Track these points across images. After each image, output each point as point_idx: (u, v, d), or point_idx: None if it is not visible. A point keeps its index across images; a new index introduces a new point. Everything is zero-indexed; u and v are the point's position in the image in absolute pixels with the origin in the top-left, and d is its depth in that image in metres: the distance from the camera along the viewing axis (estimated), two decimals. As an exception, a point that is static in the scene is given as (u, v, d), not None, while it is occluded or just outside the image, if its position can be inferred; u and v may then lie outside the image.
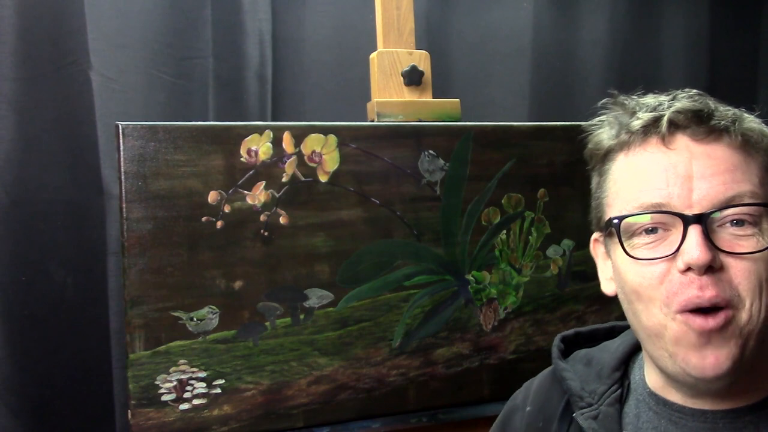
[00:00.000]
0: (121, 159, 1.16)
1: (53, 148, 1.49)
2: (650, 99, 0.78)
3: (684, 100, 0.75)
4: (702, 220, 0.70)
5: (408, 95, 1.40)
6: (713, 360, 0.70)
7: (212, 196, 1.20)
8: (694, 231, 0.70)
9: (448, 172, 1.35)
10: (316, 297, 1.27)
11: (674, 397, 0.78)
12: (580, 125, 0.86)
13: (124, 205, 1.16)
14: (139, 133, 1.17)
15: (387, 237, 1.31)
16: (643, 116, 0.75)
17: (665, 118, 0.73)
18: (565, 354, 0.94)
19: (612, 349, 0.89)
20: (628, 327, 0.88)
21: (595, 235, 0.85)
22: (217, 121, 1.55)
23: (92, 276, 1.51)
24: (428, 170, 1.34)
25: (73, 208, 1.50)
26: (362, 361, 1.29)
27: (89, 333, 1.50)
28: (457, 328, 1.36)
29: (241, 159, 1.22)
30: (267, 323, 1.23)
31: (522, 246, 1.40)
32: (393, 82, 1.39)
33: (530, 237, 1.41)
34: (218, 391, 1.21)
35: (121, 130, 1.16)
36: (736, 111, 0.76)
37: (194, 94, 1.60)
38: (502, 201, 1.38)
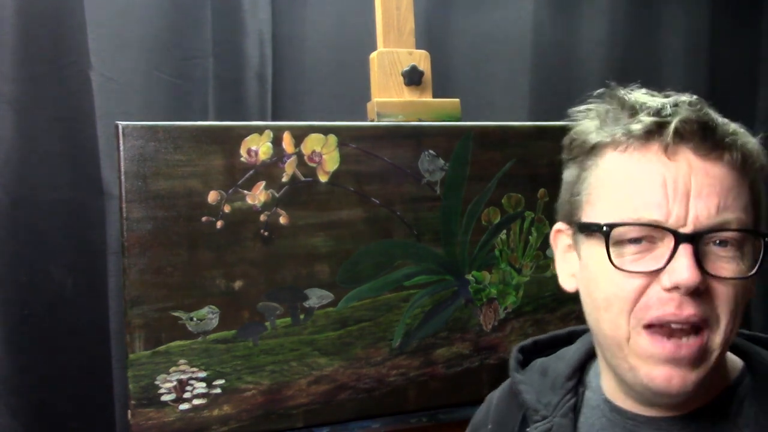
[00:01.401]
0: (121, 159, 1.16)
1: (53, 148, 1.49)
2: (649, 99, 0.74)
3: (687, 107, 0.72)
4: (694, 240, 0.68)
5: (408, 95, 1.40)
6: (680, 381, 0.69)
7: (212, 196, 1.20)
8: (685, 251, 0.68)
9: (448, 172, 1.35)
10: (316, 297, 1.27)
11: (628, 404, 0.77)
12: (577, 119, 0.84)
13: (124, 205, 1.16)
14: (139, 133, 1.17)
15: (387, 237, 1.31)
16: (645, 120, 0.71)
17: (671, 127, 0.70)
18: (525, 364, 0.90)
19: (567, 357, 0.87)
20: (586, 331, 0.86)
21: (560, 226, 0.81)
22: (217, 121, 1.55)
23: (92, 276, 1.51)
24: (428, 170, 1.34)
25: (73, 208, 1.50)
26: (362, 361, 1.29)
27: (89, 333, 1.50)
28: (457, 328, 1.36)
29: (241, 159, 1.22)
30: (267, 323, 1.23)
31: (522, 246, 1.40)
32: (393, 82, 1.39)
33: (530, 237, 1.41)
34: (218, 391, 1.21)
35: (121, 130, 1.16)
36: (735, 126, 0.74)
37: (194, 94, 1.60)
38: (502, 201, 1.38)
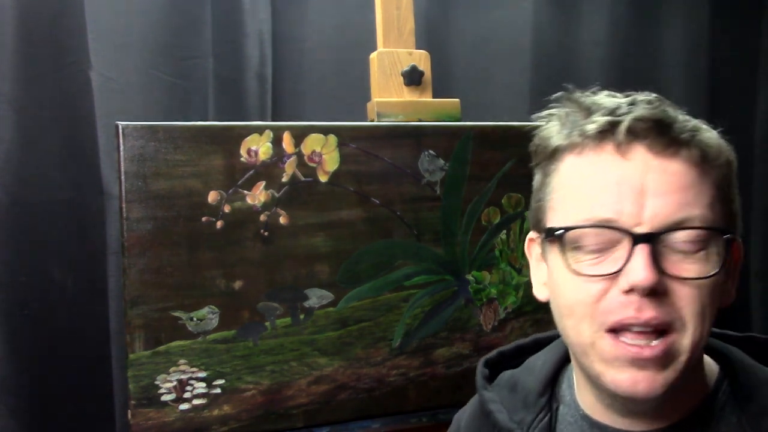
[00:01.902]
0: (121, 159, 1.16)
1: (53, 148, 1.49)
2: (606, 99, 0.72)
3: (643, 105, 0.70)
4: (651, 239, 0.66)
5: (408, 95, 1.40)
6: (646, 384, 0.67)
7: (212, 196, 1.20)
8: (642, 251, 0.66)
9: (448, 172, 1.35)
10: (316, 297, 1.27)
11: (608, 419, 0.75)
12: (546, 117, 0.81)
13: (124, 205, 1.16)
14: (139, 133, 1.17)
15: (387, 237, 1.31)
16: (599, 119, 0.70)
17: (623, 125, 0.68)
18: (492, 378, 0.87)
19: (536, 369, 0.84)
20: (552, 339, 0.85)
21: (532, 235, 0.80)
22: (217, 121, 1.55)
23: (92, 276, 1.51)
24: (428, 170, 1.34)
25: (73, 208, 1.50)
26: (362, 361, 1.29)
27: (89, 333, 1.50)
28: (457, 328, 1.36)
29: (241, 159, 1.22)
30: (267, 323, 1.23)
31: (522, 246, 1.40)
32: (393, 82, 1.39)
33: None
34: (218, 391, 1.21)
35: (121, 130, 1.16)
36: (696, 123, 0.71)
37: (194, 94, 1.60)
38: (502, 201, 1.38)
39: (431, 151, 1.34)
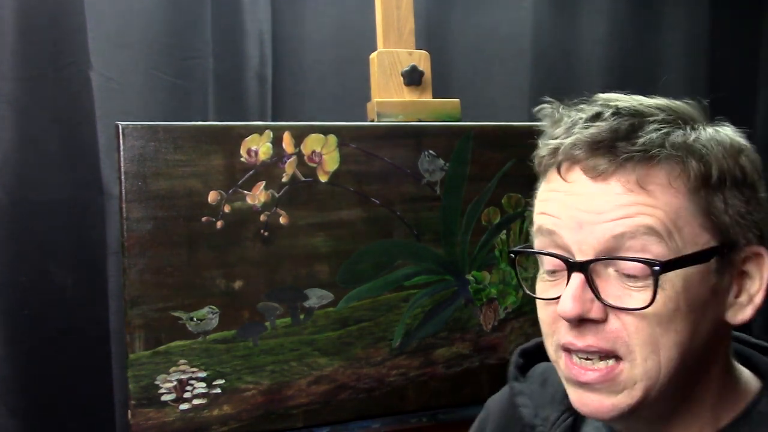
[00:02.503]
0: (121, 159, 1.16)
1: (53, 148, 1.49)
2: (573, 114, 0.69)
3: (597, 124, 0.65)
4: (583, 268, 0.64)
5: (408, 95, 1.40)
6: (596, 406, 0.66)
7: (212, 196, 1.20)
8: (573, 280, 0.64)
9: (448, 172, 1.35)
10: (316, 297, 1.27)
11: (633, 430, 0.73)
12: (540, 130, 0.82)
13: (124, 205, 1.16)
14: (139, 133, 1.17)
15: (387, 237, 1.31)
16: (547, 144, 0.69)
17: (562, 149, 0.66)
18: (526, 369, 0.86)
19: None
20: None
21: None
22: (217, 121, 1.55)
23: (92, 276, 1.51)
24: (428, 170, 1.34)
25: (73, 208, 1.50)
26: (362, 361, 1.29)
27: (89, 333, 1.50)
28: (457, 328, 1.36)
29: (241, 159, 1.22)
30: (267, 323, 1.23)
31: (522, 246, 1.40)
32: (393, 82, 1.39)
33: (530, 237, 1.40)
34: (218, 391, 1.21)
35: (121, 130, 1.16)
36: (676, 134, 0.65)
37: (194, 94, 1.60)
38: (502, 201, 1.38)
39: (431, 151, 1.34)
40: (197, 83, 1.60)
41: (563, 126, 0.68)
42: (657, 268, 0.62)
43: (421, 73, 1.40)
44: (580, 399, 0.68)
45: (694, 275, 0.64)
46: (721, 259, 0.66)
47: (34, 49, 1.47)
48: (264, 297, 1.23)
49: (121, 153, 1.16)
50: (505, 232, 1.39)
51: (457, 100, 1.44)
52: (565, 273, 0.66)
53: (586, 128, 0.66)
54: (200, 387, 1.19)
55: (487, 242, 1.38)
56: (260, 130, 1.23)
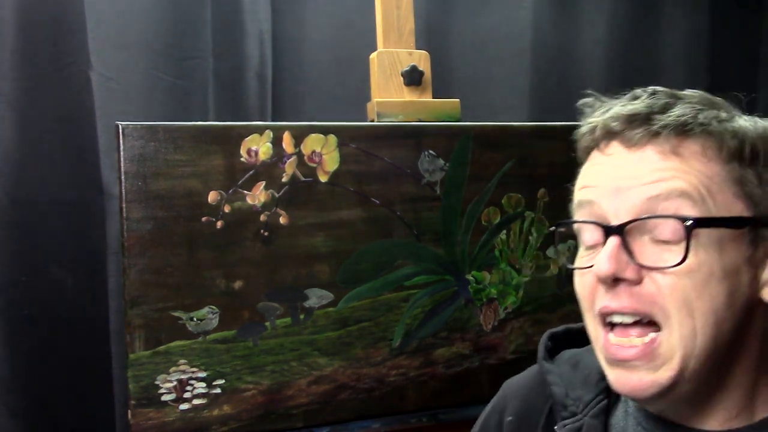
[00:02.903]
0: (121, 159, 1.16)
1: (53, 148, 1.49)
2: (610, 102, 0.74)
3: (633, 103, 0.70)
4: (619, 230, 0.66)
5: (408, 95, 1.40)
6: (635, 384, 0.67)
7: (212, 196, 1.20)
8: (610, 242, 0.67)
9: (448, 172, 1.35)
10: (316, 297, 1.27)
11: (672, 414, 0.72)
12: (580, 125, 0.85)
13: (124, 205, 1.16)
14: (139, 133, 1.17)
15: (387, 237, 1.31)
16: (590, 121, 0.73)
17: (598, 126, 0.71)
18: (553, 353, 0.86)
19: None
20: None
21: None
22: (217, 121, 1.55)
23: (92, 276, 1.51)
24: (428, 170, 1.34)
25: (73, 208, 1.50)
26: (362, 361, 1.29)
27: (89, 333, 1.50)
28: (457, 328, 1.36)
29: (241, 159, 1.22)
30: (267, 323, 1.23)
31: (522, 246, 1.40)
32: (393, 82, 1.39)
33: (530, 237, 1.41)
34: (218, 391, 1.21)
35: (121, 130, 1.16)
36: (706, 113, 0.71)
37: (194, 94, 1.60)
38: (502, 201, 1.38)
39: (431, 151, 1.34)
40: (197, 83, 1.60)
41: (602, 108, 0.73)
42: (689, 222, 0.64)
43: (421, 73, 1.40)
44: (618, 379, 0.68)
45: (728, 242, 0.66)
46: (755, 231, 0.67)
47: (34, 49, 1.47)
48: (264, 297, 1.23)
49: (121, 153, 1.16)
50: (505, 232, 1.39)
51: (457, 100, 1.44)
52: (603, 246, 0.68)
53: (624, 106, 0.70)
54: (200, 387, 1.19)
55: (487, 242, 1.38)
56: (260, 130, 1.23)
